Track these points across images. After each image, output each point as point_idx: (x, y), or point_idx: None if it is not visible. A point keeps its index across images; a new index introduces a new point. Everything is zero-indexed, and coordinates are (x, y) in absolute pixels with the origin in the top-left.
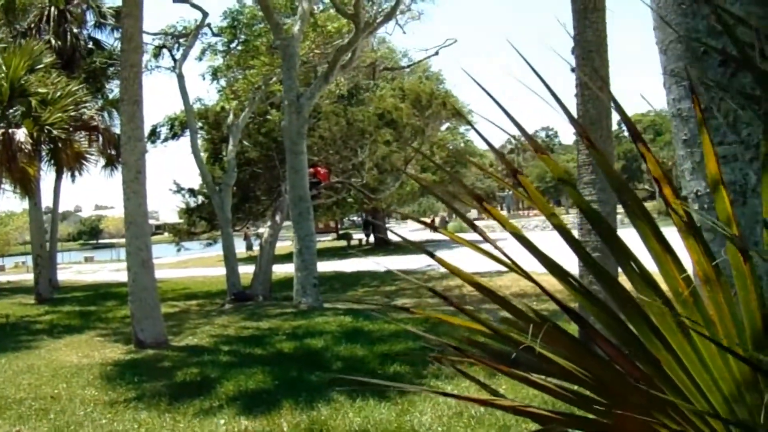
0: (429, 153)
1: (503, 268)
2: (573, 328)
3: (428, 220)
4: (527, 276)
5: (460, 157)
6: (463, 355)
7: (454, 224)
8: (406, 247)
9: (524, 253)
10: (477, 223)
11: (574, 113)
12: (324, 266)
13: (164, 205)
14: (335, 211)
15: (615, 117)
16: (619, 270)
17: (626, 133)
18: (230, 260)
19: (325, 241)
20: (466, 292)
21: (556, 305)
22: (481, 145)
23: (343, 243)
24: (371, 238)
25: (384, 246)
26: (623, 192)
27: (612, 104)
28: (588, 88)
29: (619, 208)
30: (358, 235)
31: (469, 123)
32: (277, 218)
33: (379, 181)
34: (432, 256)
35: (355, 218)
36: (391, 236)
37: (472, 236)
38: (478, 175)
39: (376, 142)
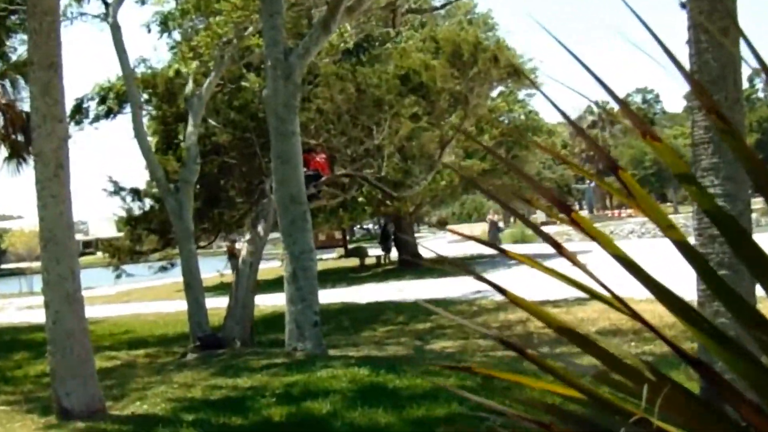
0: (474, 131)
1: (583, 293)
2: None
3: (471, 230)
4: (625, 307)
5: (519, 135)
6: (540, 428)
7: (513, 230)
8: (444, 266)
9: (612, 270)
10: (546, 228)
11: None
12: (328, 296)
13: (96, 213)
14: (342, 216)
15: (745, 71)
16: (759, 292)
17: (762, 94)
18: (194, 290)
19: (329, 260)
20: (534, 329)
21: (667, 346)
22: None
23: (353, 262)
24: (392, 254)
25: (411, 266)
26: (763, 180)
27: (743, 53)
28: (707, 31)
29: (755, 204)
30: (375, 251)
31: (533, 85)
32: (260, 229)
33: (404, 172)
34: (482, 279)
35: (369, 226)
36: (421, 251)
37: (537, 248)
38: (546, 161)
39: (398, 116)
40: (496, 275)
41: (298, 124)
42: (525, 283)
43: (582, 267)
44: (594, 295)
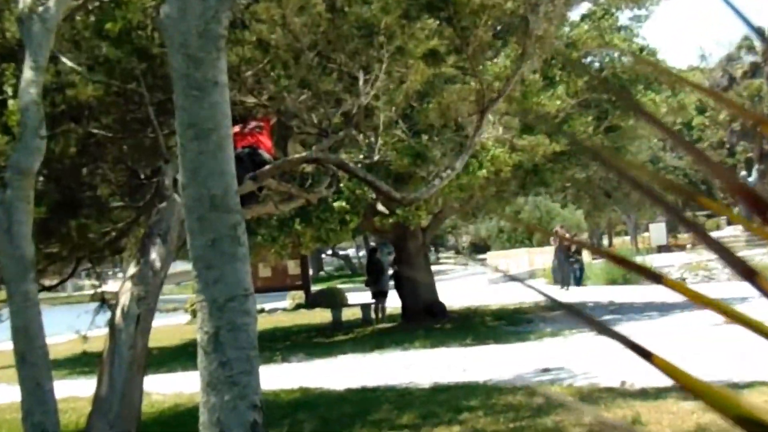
0: (539, 83)
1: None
2: None
3: (531, 261)
4: None
5: (620, 92)
6: None
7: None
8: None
9: None
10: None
11: None
12: (278, 376)
13: None
14: (302, 233)
15: None
16: None
17: None
18: (32, 365)
19: (279, 311)
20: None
21: None
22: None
23: (322, 316)
24: (389, 302)
25: (423, 323)
26: None
27: None
28: None
29: None
30: (359, 295)
31: None
32: (154, 256)
33: (414, 156)
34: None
35: (350, 251)
36: (445, 298)
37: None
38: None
39: (403, 54)
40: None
41: (224, 68)
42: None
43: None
44: None
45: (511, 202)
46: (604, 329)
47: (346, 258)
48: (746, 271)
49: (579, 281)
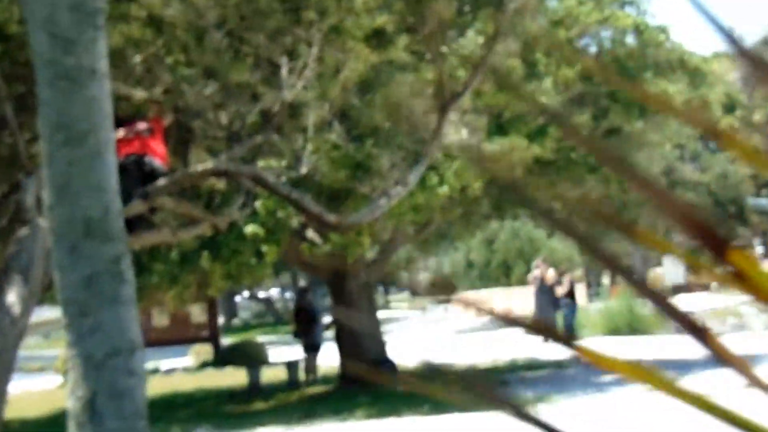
0: (520, 70)
1: None
2: None
3: (510, 301)
4: None
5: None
6: None
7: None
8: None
9: None
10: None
11: None
12: None
13: None
14: (209, 270)
15: None
16: None
17: None
18: None
19: (178, 371)
20: None
21: None
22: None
23: (235, 377)
24: (323, 359)
25: (369, 387)
26: None
27: None
28: None
29: None
30: (283, 351)
31: None
32: (12, 298)
33: (355, 167)
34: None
35: (273, 292)
36: (395, 353)
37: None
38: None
39: (339, 34)
40: (569, 406)
41: (104, 52)
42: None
43: None
44: None
45: (483, 228)
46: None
47: (268, 302)
48: (691, 328)
49: (571, 330)
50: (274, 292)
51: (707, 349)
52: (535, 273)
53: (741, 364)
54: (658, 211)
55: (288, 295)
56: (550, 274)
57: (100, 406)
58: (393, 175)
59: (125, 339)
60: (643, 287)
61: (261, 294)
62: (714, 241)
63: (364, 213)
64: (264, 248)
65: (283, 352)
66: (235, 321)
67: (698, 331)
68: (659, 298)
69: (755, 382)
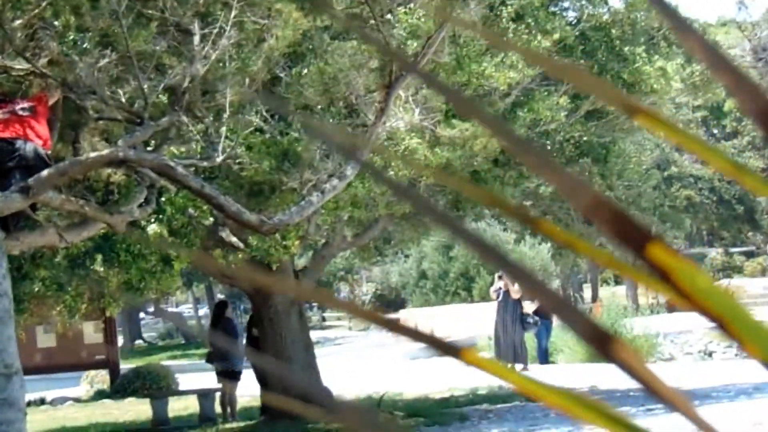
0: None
1: None
2: None
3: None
4: None
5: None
6: None
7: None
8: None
9: None
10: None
11: None
12: None
13: None
14: (104, 278)
15: None
16: None
17: None
18: None
19: (67, 404)
20: None
21: None
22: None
23: (138, 410)
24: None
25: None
26: None
27: None
28: None
29: None
30: (196, 376)
31: None
32: None
33: (281, 156)
34: None
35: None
36: (335, 381)
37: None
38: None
39: None
40: None
41: None
42: None
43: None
44: None
45: (438, 231)
46: None
47: (179, 319)
48: (595, 338)
49: (545, 356)
50: (185, 307)
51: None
52: (498, 284)
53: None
54: (572, 201)
55: (203, 311)
56: (517, 286)
57: None
58: (326, 165)
59: (1, 363)
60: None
61: (170, 309)
62: (632, 234)
63: (291, 212)
64: (171, 253)
65: (195, 379)
66: (139, 342)
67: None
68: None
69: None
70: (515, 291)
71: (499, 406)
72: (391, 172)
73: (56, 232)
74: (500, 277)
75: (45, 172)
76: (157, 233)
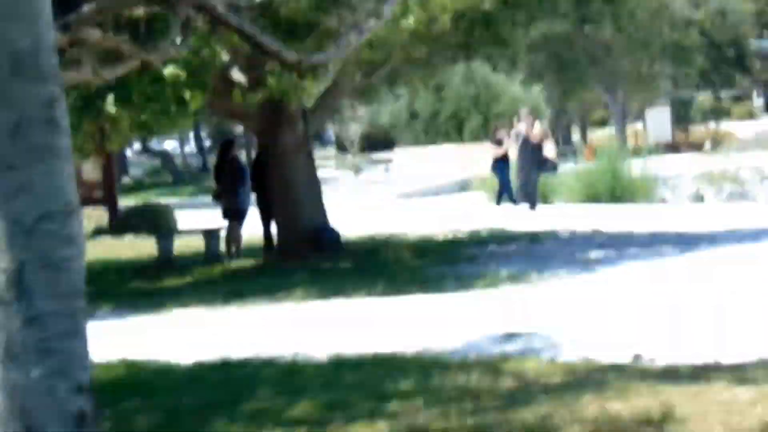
0: None
1: None
2: None
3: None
4: None
5: None
6: None
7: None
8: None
9: None
10: None
11: None
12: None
13: None
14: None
15: None
16: None
17: None
18: None
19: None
20: None
21: None
22: None
23: (143, 248)
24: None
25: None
26: None
27: None
28: None
29: None
30: (190, 214)
31: None
32: None
33: None
34: None
35: (169, 145)
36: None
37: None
38: None
39: None
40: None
41: None
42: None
43: None
44: None
45: (441, 71)
46: None
47: (165, 156)
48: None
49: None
50: (169, 144)
51: None
52: (519, 127)
53: None
54: None
55: (189, 148)
56: (537, 129)
57: (30, 280)
58: (365, 5)
59: (60, 200)
60: None
61: (156, 148)
62: None
63: (329, 52)
64: (186, 94)
65: (189, 217)
66: (126, 179)
67: None
68: None
69: None
70: (536, 134)
71: (503, 247)
72: (411, 17)
73: (92, 69)
74: (521, 120)
75: (86, 7)
76: (172, 74)
